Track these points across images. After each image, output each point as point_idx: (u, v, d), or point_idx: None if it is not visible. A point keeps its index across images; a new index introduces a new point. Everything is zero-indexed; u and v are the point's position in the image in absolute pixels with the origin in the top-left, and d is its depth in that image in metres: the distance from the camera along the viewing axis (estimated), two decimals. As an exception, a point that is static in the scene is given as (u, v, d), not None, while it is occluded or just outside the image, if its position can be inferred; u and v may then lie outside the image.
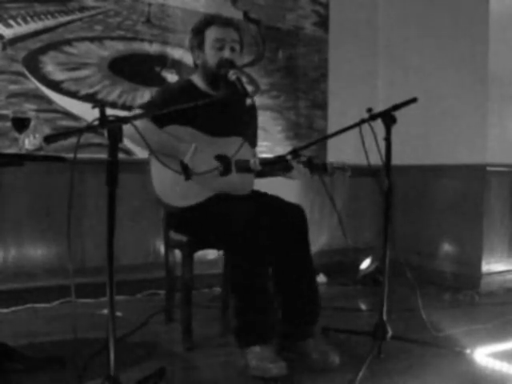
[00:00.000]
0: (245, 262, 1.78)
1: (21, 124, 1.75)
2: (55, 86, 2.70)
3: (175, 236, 2.11)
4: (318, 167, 2.06)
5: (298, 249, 1.95)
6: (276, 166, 2.07)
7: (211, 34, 2.00)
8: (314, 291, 1.96)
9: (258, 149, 2.28)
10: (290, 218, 1.96)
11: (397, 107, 1.82)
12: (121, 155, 1.35)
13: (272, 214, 1.91)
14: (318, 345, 1.87)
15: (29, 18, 2.62)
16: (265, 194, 2.10)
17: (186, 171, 1.91)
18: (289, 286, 1.93)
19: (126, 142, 2.15)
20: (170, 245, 2.24)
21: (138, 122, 1.63)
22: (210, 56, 2.00)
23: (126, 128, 1.38)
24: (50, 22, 2.68)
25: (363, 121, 1.82)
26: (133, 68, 2.91)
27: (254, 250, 1.78)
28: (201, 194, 1.93)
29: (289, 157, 2.01)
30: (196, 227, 1.98)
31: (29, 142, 1.77)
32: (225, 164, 1.98)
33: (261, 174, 2.12)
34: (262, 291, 1.80)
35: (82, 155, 1.93)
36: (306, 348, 1.86)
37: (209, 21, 2.04)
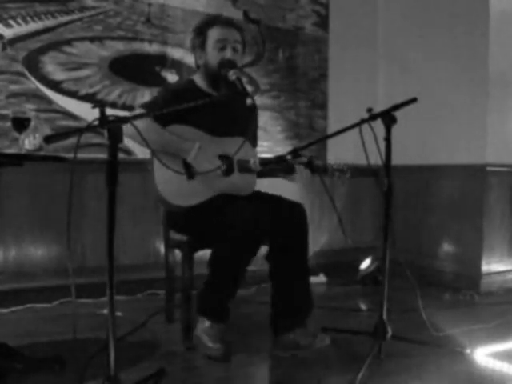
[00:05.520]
0: (234, 251, 1.82)
1: (21, 124, 1.75)
2: (55, 85, 2.70)
3: (175, 236, 2.11)
4: (318, 168, 2.07)
5: (296, 246, 1.98)
6: (277, 168, 2.08)
7: (213, 35, 2.00)
8: (306, 288, 2.01)
9: (258, 149, 2.28)
10: (291, 215, 1.98)
11: (397, 107, 1.82)
12: (121, 155, 1.35)
13: (273, 213, 1.92)
14: (307, 332, 1.93)
15: (29, 18, 2.62)
16: (266, 194, 2.11)
17: (189, 170, 1.90)
18: (283, 281, 1.98)
19: (127, 142, 2.15)
20: (169, 245, 2.24)
21: (139, 122, 1.63)
22: (212, 56, 2.00)
23: (127, 127, 1.37)
24: (49, 22, 2.68)
25: (363, 121, 1.82)
26: (133, 68, 2.91)
27: (246, 244, 1.81)
28: (204, 194, 1.93)
29: (289, 157, 2.01)
30: (198, 227, 1.98)
31: (29, 142, 1.77)
32: (227, 163, 1.98)
33: (261, 175, 2.12)
34: (234, 280, 1.89)
35: (82, 155, 1.93)
36: (295, 338, 1.91)
37: (211, 21, 2.04)
